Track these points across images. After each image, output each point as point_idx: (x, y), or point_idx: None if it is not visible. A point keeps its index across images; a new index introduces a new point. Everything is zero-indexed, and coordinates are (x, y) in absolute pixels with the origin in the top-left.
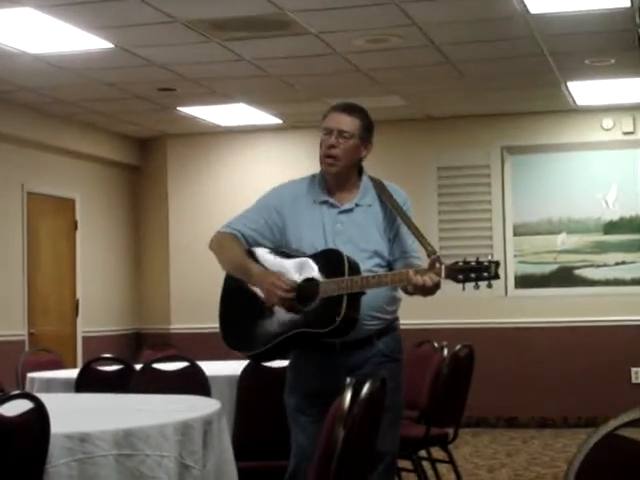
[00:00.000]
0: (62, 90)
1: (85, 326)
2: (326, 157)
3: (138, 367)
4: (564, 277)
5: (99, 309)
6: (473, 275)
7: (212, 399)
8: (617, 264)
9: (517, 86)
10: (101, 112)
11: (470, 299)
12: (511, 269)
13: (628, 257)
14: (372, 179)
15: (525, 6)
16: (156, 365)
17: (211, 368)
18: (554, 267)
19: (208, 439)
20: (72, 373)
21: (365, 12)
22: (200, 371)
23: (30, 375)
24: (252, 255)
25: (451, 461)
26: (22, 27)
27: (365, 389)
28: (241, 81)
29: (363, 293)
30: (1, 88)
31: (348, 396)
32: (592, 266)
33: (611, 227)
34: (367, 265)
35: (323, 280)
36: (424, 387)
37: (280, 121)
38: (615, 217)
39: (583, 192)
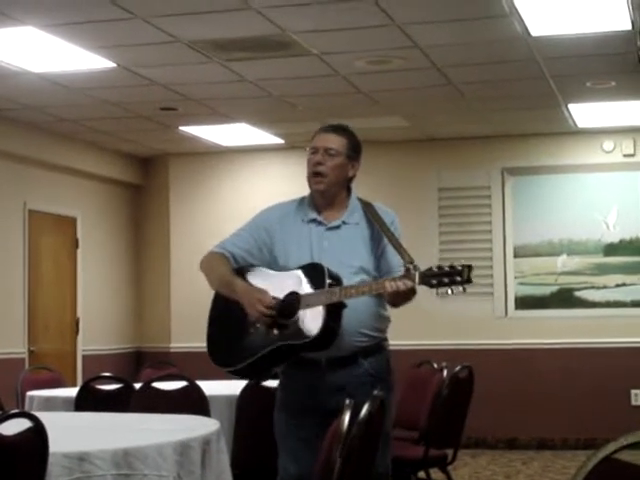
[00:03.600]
0: (64, 109)
1: (85, 344)
2: (313, 174)
3: (138, 386)
4: (564, 299)
5: (99, 327)
6: (446, 280)
7: (211, 419)
8: (617, 286)
9: (518, 108)
10: (103, 131)
11: (470, 320)
12: (511, 290)
13: (628, 279)
14: (361, 200)
15: (526, 29)
16: (156, 384)
17: (210, 388)
18: (554, 288)
19: (207, 459)
20: (72, 392)
21: (367, 34)
22: (199, 391)
23: (30, 393)
24: (241, 273)
25: None
26: (25, 46)
27: (364, 410)
28: (243, 101)
29: (344, 305)
30: (4, 106)
31: (347, 417)
32: (592, 288)
33: (611, 249)
34: (353, 281)
35: (304, 293)
36: (423, 408)
37: (282, 141)
38: (615, 239)
39: (583, 214)
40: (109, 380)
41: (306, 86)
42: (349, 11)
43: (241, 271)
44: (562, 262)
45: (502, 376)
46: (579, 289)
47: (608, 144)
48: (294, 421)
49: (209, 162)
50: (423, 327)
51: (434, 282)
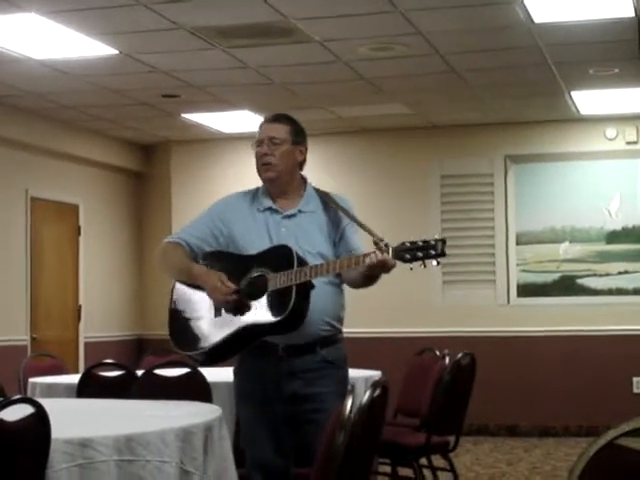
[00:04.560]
0: (66, 96)
1: (87, 332)
2: (262, 165)
3: (139, 373)
4: (566, 286)
5: (101, 315)
6: (420, 254)
7: (213, 405)
8: (620, 273)
9: (521, 95)
10: (105, 118)
11: (472, 307)
12: (513, 278)
13: (630, 267)
14: (317, 190)
15: (529, 15)
16: (157, 371)
17: (212, 374)
18: (557, 276)
19: (209, 445)
20: (74, 378)
21: (370, 20)
22: (201, 377)
23: (32, 380)
24: (207, 258)
25: (452, 469)
26: (27, 33)
27: (365, 397)
28: (245, 88)
29: (312, 286)
30: (6, 93)
31: (349, 404)
32: (595, 275)
33: (614, 237)
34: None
35: (271, 274)
36: (425, 395)
37: None
38: (618, 227)
39: (586, 201)
40: (111, 367)
41: (308, 73)
42: None
43: (204, 258)
44: (564, 249)
45: (504, 363)
46: (581, 276)
47: (611, 131)
48: (253, 408)
49: (211, 149)
50: (425, 315)
51: (408, 256)
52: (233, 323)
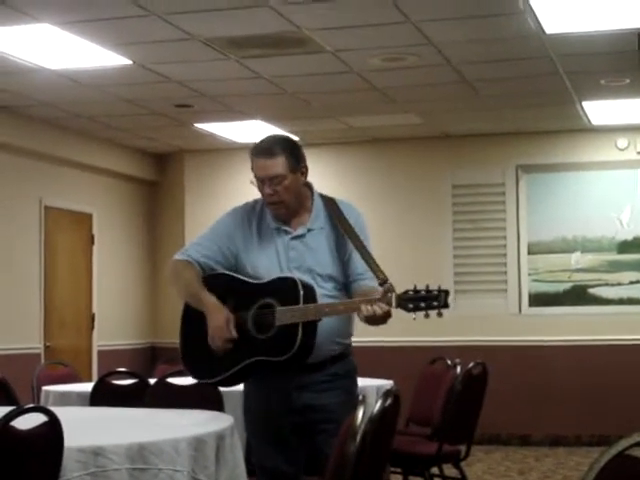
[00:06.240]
0: (80, 106)
1: (100, 340)
2: (270, 204)
3: (152, 381)
4: (578, 296)
5: (115, 323)
6: (423, 304)
7: (225, 414)
8: (631, 283)
9: (532, 105)
10: (119, 128)
11: (484, 317)
12: (525, 287)
13: None
14: (324, 198)
15: (540, 26)
16: (170, 379)
17: None
18: (568, 286)
19: (221, 454)
20: (87, 387)
21: (382, 31)
22: (213, 386)
23: (45, 388)
24: (211, 282)
25: (463, 478)
26: (41, 43)
27: (377, 406)
28: (258, 98)
29: (318, 319)
30: (20, 103)
31: (360, 413)
32: (606, 285)
33: (625, 246)
34: (323, 289)
35: (279, 308)
36: (437, 404)
37: (296, 138)
38: (629, 236)
39: (597, 211)
40: (124, 375)
41: (321, 83)
42: (364, 8)
43: (210, 280)
44: (576, 259)
45: (516, 373)
46: (593, 286)
47: (622, 141)
48: (263, 419)
49: (224, 159)
50: (437, 324)
51: (410, 306)
52: (243, 355)
